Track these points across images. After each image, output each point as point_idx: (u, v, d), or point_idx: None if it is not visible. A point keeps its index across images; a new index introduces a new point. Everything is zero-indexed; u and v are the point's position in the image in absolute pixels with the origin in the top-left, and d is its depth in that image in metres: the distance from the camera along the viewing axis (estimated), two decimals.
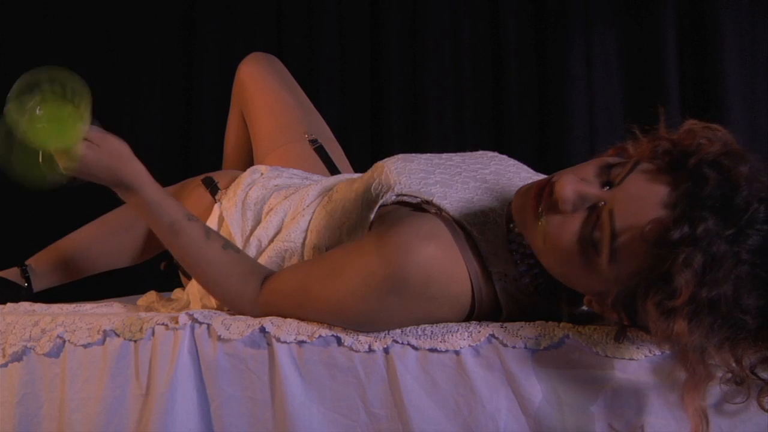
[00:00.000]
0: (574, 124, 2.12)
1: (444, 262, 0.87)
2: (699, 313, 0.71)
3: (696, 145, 0.74)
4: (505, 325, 0.87)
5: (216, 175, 1.35)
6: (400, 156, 1.06)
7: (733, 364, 0.72)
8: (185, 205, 1.29)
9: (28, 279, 1.38)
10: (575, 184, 0.77)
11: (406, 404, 0.86)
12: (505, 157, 1.10)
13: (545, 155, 2.14)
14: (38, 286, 1.40)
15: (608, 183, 0.77)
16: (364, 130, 2.31)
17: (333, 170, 1.46)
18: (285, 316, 0.94)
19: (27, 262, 1.40)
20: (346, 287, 0.89)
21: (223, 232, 1.20)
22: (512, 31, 2.22)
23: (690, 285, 0.69)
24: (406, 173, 1.01)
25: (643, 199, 0.74)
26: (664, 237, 0.71)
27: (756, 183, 0.71)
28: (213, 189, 1.30)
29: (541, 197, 0.81)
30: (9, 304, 1.16)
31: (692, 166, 0.72)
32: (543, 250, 0.83)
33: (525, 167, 1.10)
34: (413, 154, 1.07)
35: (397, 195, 0.99)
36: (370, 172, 1.08)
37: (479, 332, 0.86)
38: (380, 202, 0.99)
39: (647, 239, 0.72)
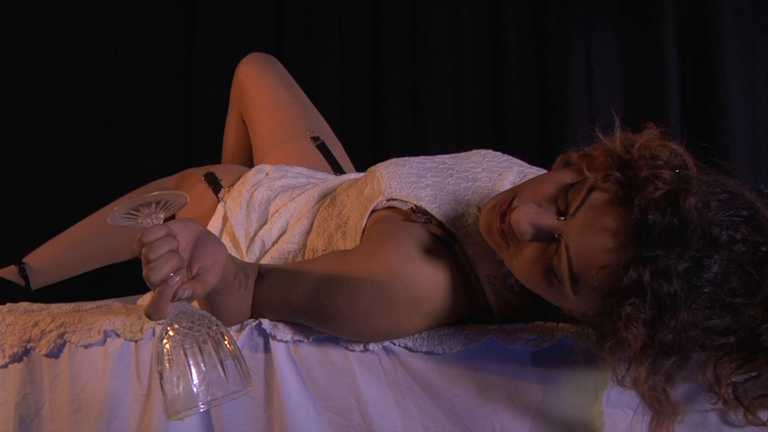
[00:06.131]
0: (574, 124, 2.11)
1: (433, 280, 0.87)
2: (656, 357, 0.71)
3: (644, 179, 0.72)
4: (504, 326, 0.87)
5: (218, 171, 1.35)
6: (393, 160, 1.07)
7: (716, 388, 0.73)
8: None
9: (26, 277, 1.38)
10: (530, 216, 0.77)
11: (402, 404, 0.86)
12: (498, 153, 1.11)
13: (545, 155, 2.14)
14: (37, 283, 1.40)
15: (564, 210, 0.77)
16: (364, 130, 2.31)
17: (336, 167, 1.46)
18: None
19: (24, 260, 1.40)
20: (333, 308, 0.87)
21: (226, 233, 1.20)
22: (512, 32, 2.22)
23: (639, 337, 0.69)
24: (397, 178, 1.01)
25: (593, 241, 0.73)
26: (614, 286, 0.71)
27: (706, 212, 0.69)
28: (216, 186, 1.30)
29: (505, 218, 0.81)
30: (8, 304, 1.16)
31: (640, 208, 0.70)
32: (514, 271, 0.83)
33: (518, 161, 1.10)
34: (406, 158, 1.07)
35: (388, 200, 0.99)
36: (364, 176, 1.08)
37: (477, 334, 0.86)
38: (371, 207, 0.99)
39: (597, 289, 0.72)
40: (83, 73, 2.28)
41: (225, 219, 1.22)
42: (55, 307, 1.14)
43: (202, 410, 0.67)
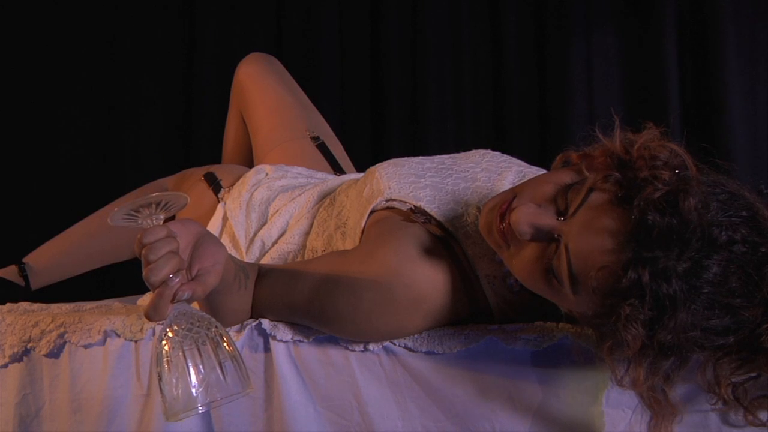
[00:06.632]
0: (574, 124, 2.12)
1: (433, 280, 0.87)
2: (655, 358, 0.71)
3: (643, 179, 0.72)
4: (504, 326, 0.87)
5: (218, 171, 1.35)
6: (392, 161, 1.07)
7: (716, 388, 0.73)
8: None
9: (26, 277, 1.38)
10: (530, 216, 0.77)
11: (402, 404, 0.86)
12: (497, 153, 1.11)
13: (545, 155, 2.14)
14: (36, 283, 1.40)
15: (564, 211, 0.77)
16: (364, 130, 2.31)
17: (336, 167, 1.46)
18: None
19: (24, 260, 1.40)
20: (333, 308, 0.87)
21: (226, 233, 1.20)
22: (512, 32, 2.22)
23: (638, 337, 0.69)
24: (396, 178, 1.01)
25: (593, 241, 0.73)
26: (613, 287, 0.71)
27: (705, 212, 0.69)
28: (216, 187, 1.30)
29: (504, 219, 0.80)
30: (8, 304, 1.16)
31: (639, 209, 0.70)
32: (513, 271, 0.83)
33: (517, 161, 1.10)
34: (405, 159, 1.08)
35: (387, 200, 0.99)
36: (363, 176, 1.08)
37: (477, 334, 0.86)
38: (371, 208, 0.99)
39: (596, 290, 0.72)
40: (83, 73, 2.28)
41: (225, 219, 1.22)
42: (55, 307, 1.14)
43: (201, 412, 0.68)
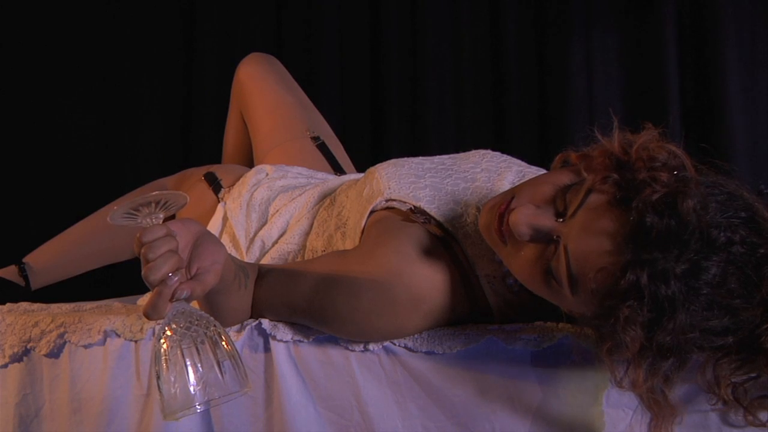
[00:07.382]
0: (574, 124, 2.12)
1: (433, 280, 0.87)
2: (654, 359, 0.71)
3: (642, 181, 0.72)
4: (504, 326, 0.87)
5: (218, 171, 1.35)
6: (392, 161, 1.07)
7: (716, 388, 0.73)
8: None
9: (26, 277, 1.38)
10: (529, 217, 0.77)
11: (402, 404, 0.86)
12: (497, 153, 1.11)
13: (545, 155, 2.14)
14: (37, 283, 1.40)
15: (563, 212, 0.77)
16: (364, 131, 2.31)
17: (336, 167, 1.46)
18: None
19: (24, 260, 1.40)
20: (332, 308, 0.87)
21: (226, 233, 1.20)
22: (512, 32, 2.22)
23: (637, 339, 0.69)
24: (396, 178, 1.01)
25: (591, 243, 0.73)
26: (612, 288, 0.71)
27: (704, 214, 0.69)
28: (216, 186, 1.30)
29: (504, 219, 0.81)
30: (8, 304, 1.16)
31: (638, 210, 0.70)
32: (512, 270, 0.83)
33: (517, 161, 1.10)
34: (405, 159, 1.08)
35: (387, 200, 0.99)
36: (363, 177, 1.08)
37: (477, 334, 0.86)
38: (370, 208, 0.99)
39: (595, 291, 0.72)
40: (83, 73, 2.28)
41: (225, 219, 1.22)
42: (55, 307, 1.14)
43: (198, 411, 0.68)
